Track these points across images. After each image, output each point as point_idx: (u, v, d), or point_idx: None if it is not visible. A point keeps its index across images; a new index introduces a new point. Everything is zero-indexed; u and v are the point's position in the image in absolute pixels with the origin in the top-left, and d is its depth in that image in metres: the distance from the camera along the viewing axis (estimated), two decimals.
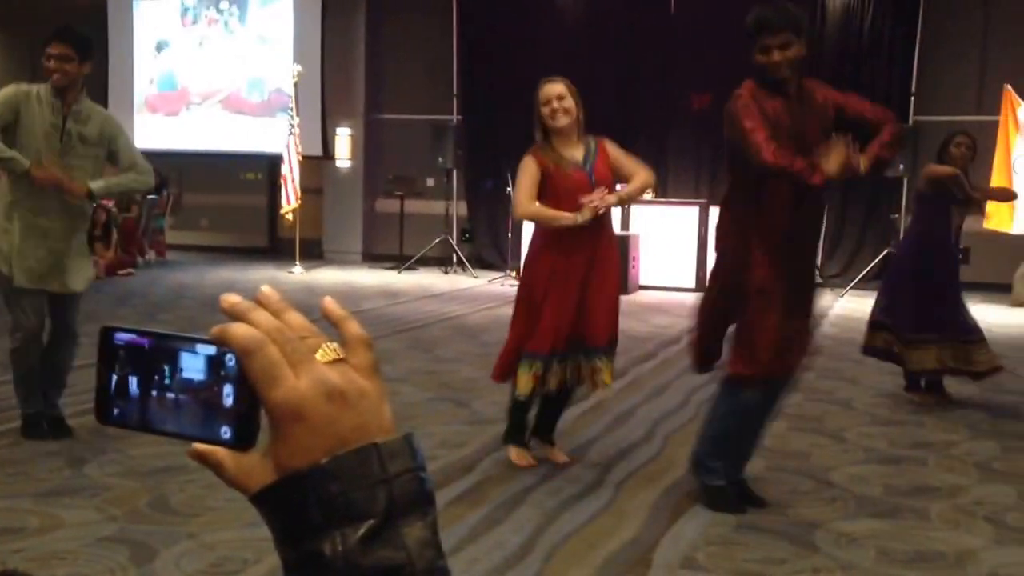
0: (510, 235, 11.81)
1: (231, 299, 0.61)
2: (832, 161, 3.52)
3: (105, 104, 12.97)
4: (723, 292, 3.85)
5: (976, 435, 5.18)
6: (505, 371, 4.27)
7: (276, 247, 14.13)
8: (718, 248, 4.00)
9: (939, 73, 11.47)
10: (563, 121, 4.10)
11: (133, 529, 3.52)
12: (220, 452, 0.61)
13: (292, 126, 11.81)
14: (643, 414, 5.42)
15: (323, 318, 0.65)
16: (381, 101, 13.66)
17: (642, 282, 11.00)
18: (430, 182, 13.02)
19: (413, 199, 12.67)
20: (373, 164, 13.63)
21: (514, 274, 11.39)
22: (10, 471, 4.16)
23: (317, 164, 13.25)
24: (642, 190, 4.32)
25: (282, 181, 11.95)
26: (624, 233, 10.29)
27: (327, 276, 11.86)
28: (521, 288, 4.37)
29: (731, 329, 3.84)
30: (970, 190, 5.63)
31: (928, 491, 4.23)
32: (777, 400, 3.93)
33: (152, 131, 13.89)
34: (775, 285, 3.65)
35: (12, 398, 4.74)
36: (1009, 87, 10.11)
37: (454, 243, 12.48)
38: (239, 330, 0.59)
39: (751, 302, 3.68)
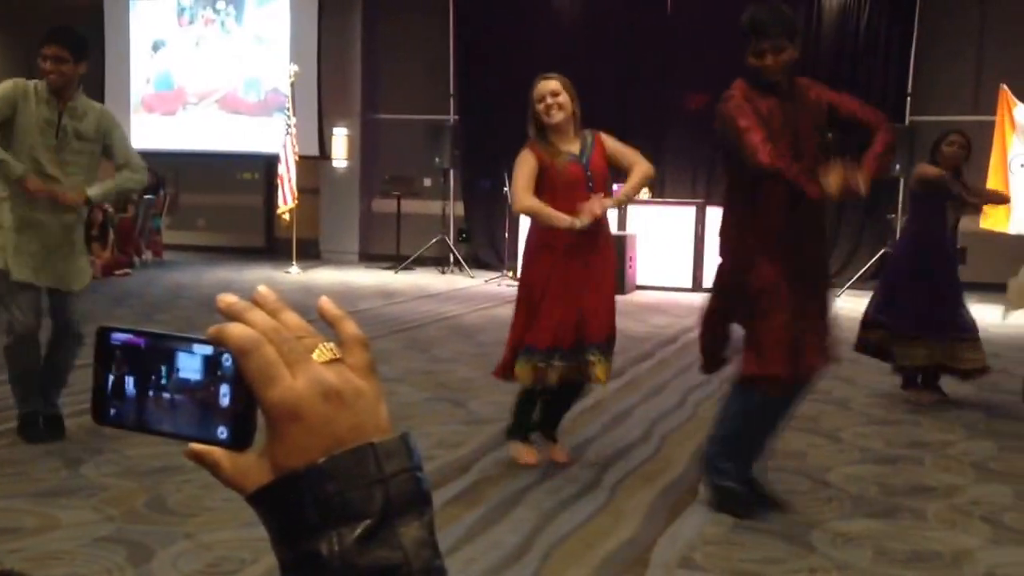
0: (507, 235, 11.81)
1: (227, 299, 0.61)
2: (833, 181, 3.51)
3: (101, 103, 12.99)
4: (723, 292, 3.85)
5: (972, 435, 5.18)
6: (505, 368, 4.26)
7: (273, 247, 14.12)
8: (720, 249, 3.98)
9: (935, 73, 11.49)
10: (558, 117, 4.10)
11: (130, 529, 3.52)
12: (217, 452, 0.61)
13: (289, 126, 11.80)
14: (640, 414, 5.42)
15: (319, 318, 0.65)
16: (378, 101, 13.65)
17: (639, 282, 11.00)
18: (427, 182, 13.02)
19: (410, 199, 12.67)
20: (370, 164, 13.63)
21: (511, 274, 11.39)
22: (7, 471, 4.15)
23: (314, 164, 13.25)
24: (641, 185, 4.26)
25: (279, 181, 11.95)
26: (621, 233, 10.29)
27: (324, 276, 11.85)
28: (520, 288, 4.35)
29: (739, 331, 3.81)
30: (960, 190, 5.62)
31: (925, 491, 4.23)
32: (792, 403, 3.86)
33: (149, 131, 13.88)
34: (778, 284, 3.63)
35: (9, 398, 4.73)
36: (1005, 87, 10.12)
37: (451, 243, 12.48)
38: (235, 330, 0.59)
39: (755, 303, 3.65)
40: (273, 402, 0.58)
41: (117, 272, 11.01)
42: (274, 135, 12.42)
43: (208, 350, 0.60)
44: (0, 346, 4.58)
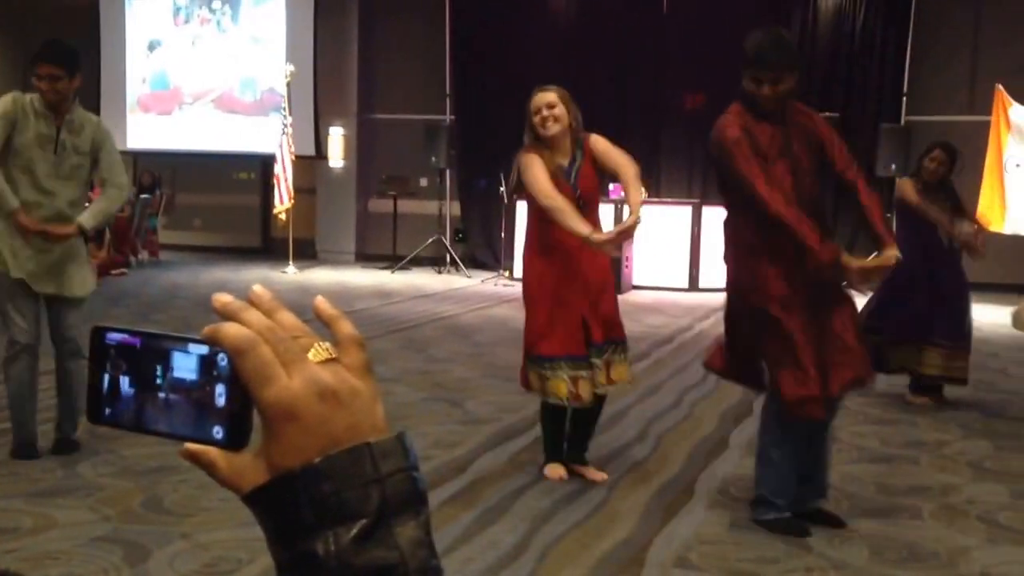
0: (503, 235, 11.82)
1: (223, 298, 0.61)
2: (858, 271, 3.52)
3: (97, 104, 12.98)
4: (738, 316, 3.79)
5: (968, 434, 5.19)
6: (523, 376, 4.23)
7: (269, 247, 14.12)
8: (727, 273, 3.89)
9: (931, 73, 11.51)
10: (553, 129, 4.07)
11: (127, 529, 3.52)
12: (212, 452, 0.61)
13: (285, 126, 11.80)
14: (636, 414, 5.43)
15: (315, 318, 0.65)
16: (374, 101, 13.65)
17: (635, 282, 11.01)
18: (423, 182, 13.02)
19: (406, 199, 12.67)
20: (366, 164, 13.63)
21: (507, 274, 11.40)
22: (3, 471, 4.15)
23: (310, 164, 13.24)
24: (637, 185, 4.11)
25: (275, 181, 11.95)
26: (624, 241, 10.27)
27: (320, 276, 11.85)
28: (524, 296, 4.29)
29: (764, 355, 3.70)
30: (939, 217, 5.62)
31: (921, 490, 4.24)
32: (829, 423, 3.75)
33: (145, 131, 13.88)
34: (794, 299, 3.57)
35: (5, 398, 4.72)
36: (1000, 87, 10.13)
37: (447, 243, 12.48)
38: (231, 330, 0.59)
39: (771, 325, 3.58)
40: (269, 402, 0.58)
41: (113, 272, 11.00)
42: (270, 135, 12.41)
43: (204, 350, 0.60)
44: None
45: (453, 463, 4.41)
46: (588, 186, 4.12)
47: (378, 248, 13.23)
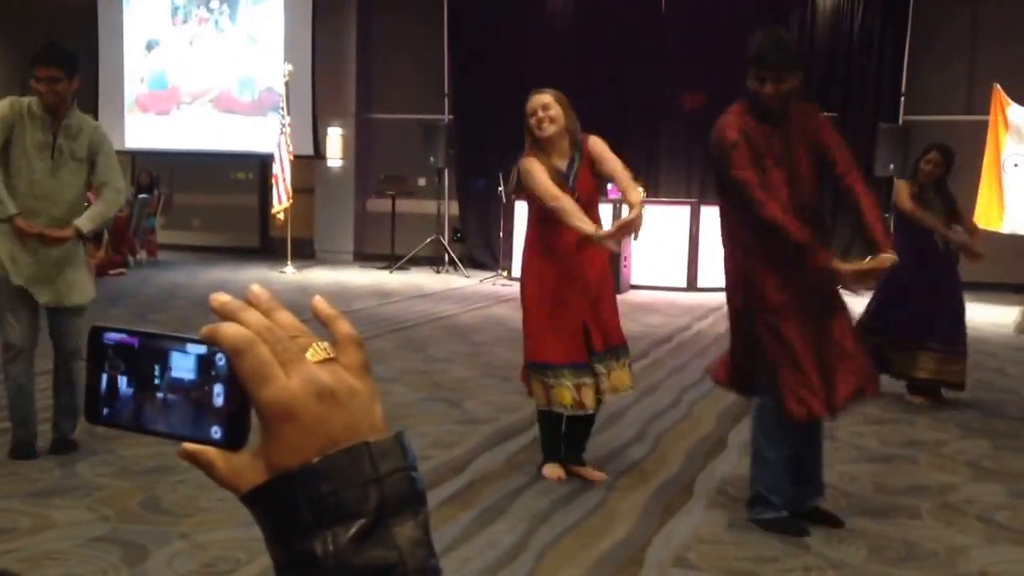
0: (501, 235, 11.82)
1: (221, 298, 0.61)
2: (852, 274, 3.52)
3: (96, 104, 12.98)
4: (737, 312, 3.80)
5: (967, 434, 5.20)
6: (525, 381, 4.22)
7: (268, 247, 14.11)
8: (725, 278, 3.89)
9: (929, 73, 11.51)
10: (549, 130, 4.07)
11: (125, 529, 3.52)
12: (210, 452, 0.61)
13: (283, 125, 11.79)
14: (634, 414, 5.43)
15: (314, 317, 0.65)
16: (372, 101, 13.65)
17: (633, 282, 11.01)
18: (421, 182, 13.02)
19: (404, 199, 12.67)
20: (364, 164, 13.63)
21: (505, 274, 11.40)
22: (1, 471, 4.14)
23: (308, 164, 13.24)
24: (637, 191, 4.14)
25: (273, 181, 11.94)
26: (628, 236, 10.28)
27: (319, 276, 11.85)
28: (524, 298, 4.29)
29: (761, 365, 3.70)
30: (932, 222, 5.62)
31: (919, 490, 4.24)
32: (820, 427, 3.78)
33: (143, 130, 13.87)
34: (791, 304, 3.57)
35: (3, 397, 4.72)
36: (998, 87, 10.13)
37: (445, 243, 12.48)
38: (229, 329, 0.59)
39: (769, 331, 3.60)
40: (267, 401, 0.58)
41: (112, 272, 10.99)
42: (268, 135, 12.41)
43: (202, 349, 0.60)
44: None
45: (451, 463, 4.41)
46: (586, 188, 4.13)
47: (376, 248, 13.23)
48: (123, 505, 3.76)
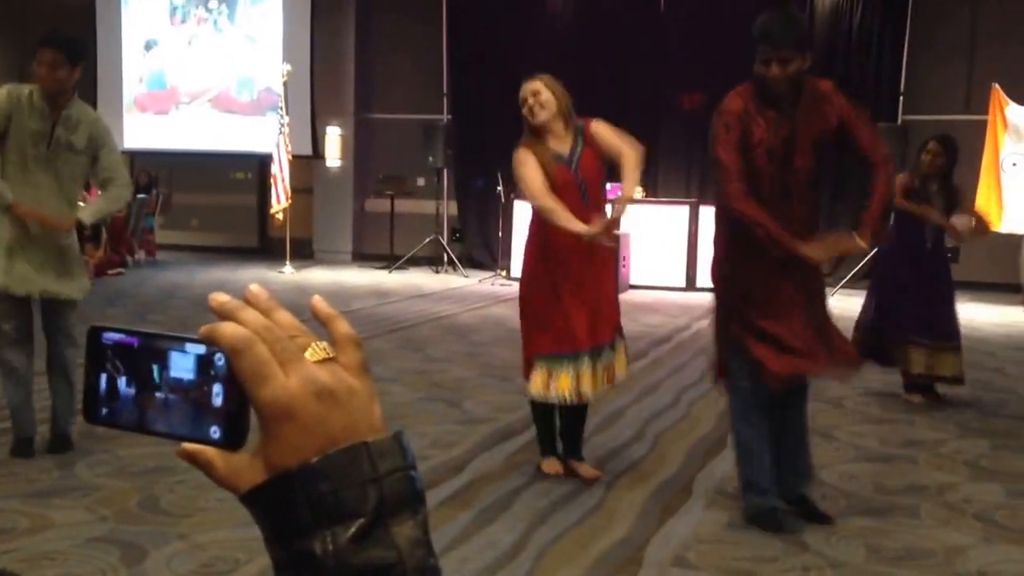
0: (500, 234, 11.82)
1: (219, 298, 0.61)
2: (818, 249, 3.54)
3: (94, 104, 12.94)
4: (719, 300, 3.86)
5: (965, 433, 5.20)
6: (527, 375, 4.21)
7: (266, 247, 14.10)
8: (712, 258, 3.95)
9: (927, 72, 11.52)
10: (541, 116, 4.08)
11: (123, 530, 3.52)
12: (210, 452, 0.61)
13: (282, 125, 11.78)
14: (633, 413, 5.43)
15: (312, 317, 0.65)
16: (371, 100, 13.65)
17: (632, 281, 11.01)
18: (420, 182, 13.02)
19: (403, 199, 12.66)
20: (363, 164, 13.62)
21: (504, 273, 11.40)
22: (0, 471, 4.15)
23: (307, 164, 13.23)
24: (637, 176, 4.12)
25: (272, 181, 11.93)
26: (615, 232, 10.29)
27: (317, 276, 11.84)
28: (523, 288, 4.29)
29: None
30: (924, 211, 5.61)
31: (918, 489, 4.24)
32: (777, 405, 3.79)
33: (141, 130, 13.86)
34: (759, 289, 3.63)
35: (2, 397, 4.72)
36: (997, 86, 10.15)
37: (444, 243, 12.48)
38: (228, 329, 0.59)
39: (736, 307, 3.69)
40: (266, 401, 0.58)
41: (110, 272, 10.99)
42: (267, 134, 12.41)
43: (201, 349, 0.60)
44: None
45: (450, 463, 4.41)
46: (590, 173, 4.10)
47: (375, 248, 13.23)
48: (122, 505, 3.76)
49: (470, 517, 3.72)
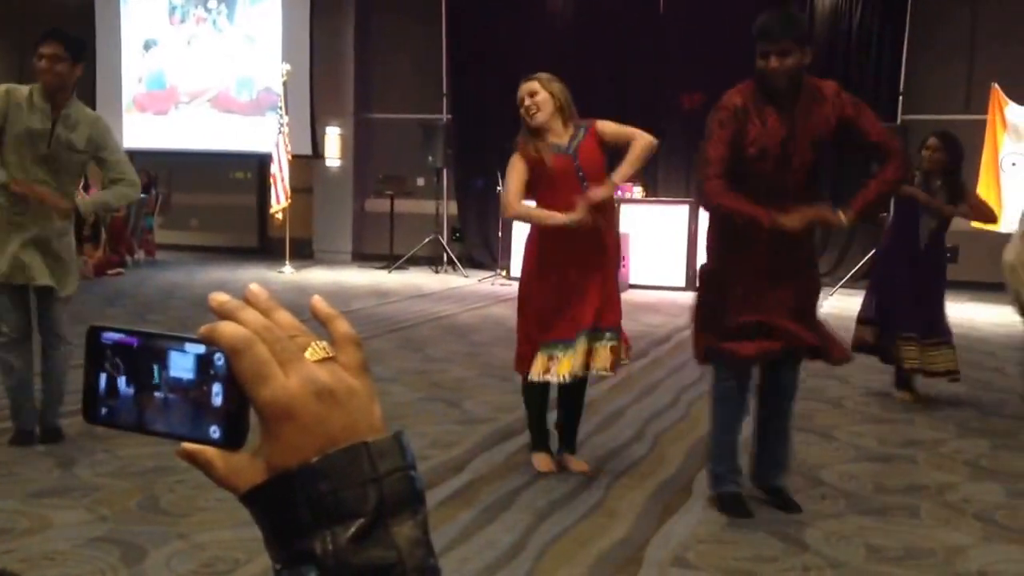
0: (500, 234, 11.82)
1: (219, 298, 0.61)
2: (793, 218, 3.56)
3: (93, 103, 12.94)
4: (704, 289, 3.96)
5: (965, 433, 5.20)
6: (526, 364, 4.20)
7: (266, 247, 14.10)
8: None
9: (927, 72, 11.52)
10: (539, 118, 4.09)
11: (123, 529, 3.51)
12: (209, 451, 0.61)
13: (281, 125, 11.78)
14: (633, 413, 5.43)
15: (312, 317, 0.65)
16: (371, 100, 13.64)
17: (632, 281, 11.01)
18: (420, 181, 13.02)
19: (403, 199, 12.66)
20: (363, 163, 13.62)
21: (504, 273, 11.40)
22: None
23: (307, 163, 13.23)
24: (640, 159, 4.09)
25: (271, 180, 11.93)
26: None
27: (317, 276, 11.84)
28: (524, 294, 4.28)
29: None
30: (930, 200, 5.60)
31: (918, 489, 4.24)
32: (745, 393, 3.90)
33: (141, 130, 13.86)
34: (736, 278, 3.71)
35: (2, 397, 4.72)
36: (996, 86, 10.15)
37: (444, 242, 12.48)
38: (228, 329, 0.59)
39: (716, 308, 3.80)
40: (266, 401, 0.58)
41: (109, 272, 10.99)
42: (267, 134, 12.41)
43: (200, 349, 0.60)
44: None
45: (450, 462, 4.41)
46: (590, 161, 4.09)
47: (375, 248, 13.23)
48: (121, 505, 3.76)
49: (470, 517, 3.72)
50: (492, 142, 11.78)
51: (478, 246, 12.99)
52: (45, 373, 4.52)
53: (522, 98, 4.13)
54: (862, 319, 5.96)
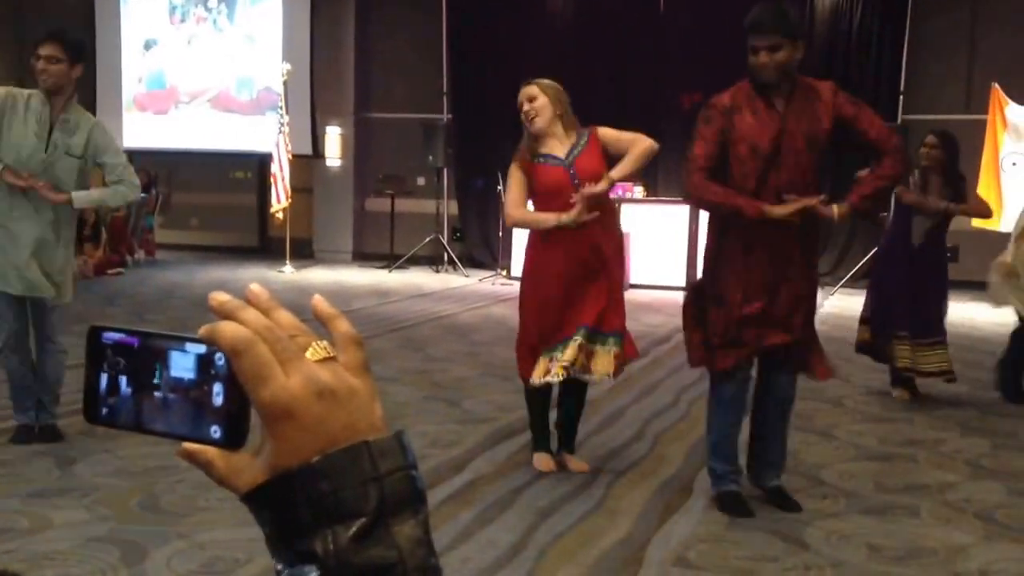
0: (501, 234, 11.81)
1: (220, 297, 0.61)
2: (782, 208, 3.56)
3: (93, 103, 12.95)
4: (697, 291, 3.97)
5: (965, 432, 5.20)
6: (528, 369, 4.21)
7: (266, 246, 14.10)
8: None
9: (927, 72, 11.52)
10: (538, 124, 4.10)
11: (124, 529, 3.51)
12: (210, 451, 0.61)
13: (281, 125, 11.78)
14: (634, 413, 5.43)
15: (313, 317, 0.64)
16: (371, 100, 13.64)
17: (632, 281, 11.00)
18: (420, 181, 13.01)
19: (403, 198, 12.66)
20: (363, 163, 13.61)
21: (505, 273, 11.39)
22: (0, 471, 4.15)
23: (307, 163, 13.23)
24: (637, 163, 4.11)
25: (272, 180, 11.93)
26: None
27: (317, 275, 11.84)
28: (525, 293, 4.29)
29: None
30: (920, 201, 5.60)
31: (918, 488, 4.24)
32: (743, 395, 3.92)
33: (141, 130, 13.86)
34: (732, 282, 3.71)
35: (2, 397, 4.72)
36: (997, 86, 10.14)
37: (445, 242, 12.48)
38: (228, 328, 0.58)
39: (710, 299, 3.82)
40: (266, 401, 0.58)
41: (109, 271, 10.99)
42: (267, 134, 12.40)
43: (201, 349, 0.60)
44: None
45: (451, 462, 4.41)
46: (588, 170, 4.08)
47: (375, 247, 13.22)
48: (122, 505, 3.76)
49: (471, 516, 3.72)
50: (492, 142, 11.79)
51: (478, 246, 12.98)
52: (40, 375, 4.53)
53: (521, 103, 4.15)
54: (863, 319, 5.98)
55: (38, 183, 4.28)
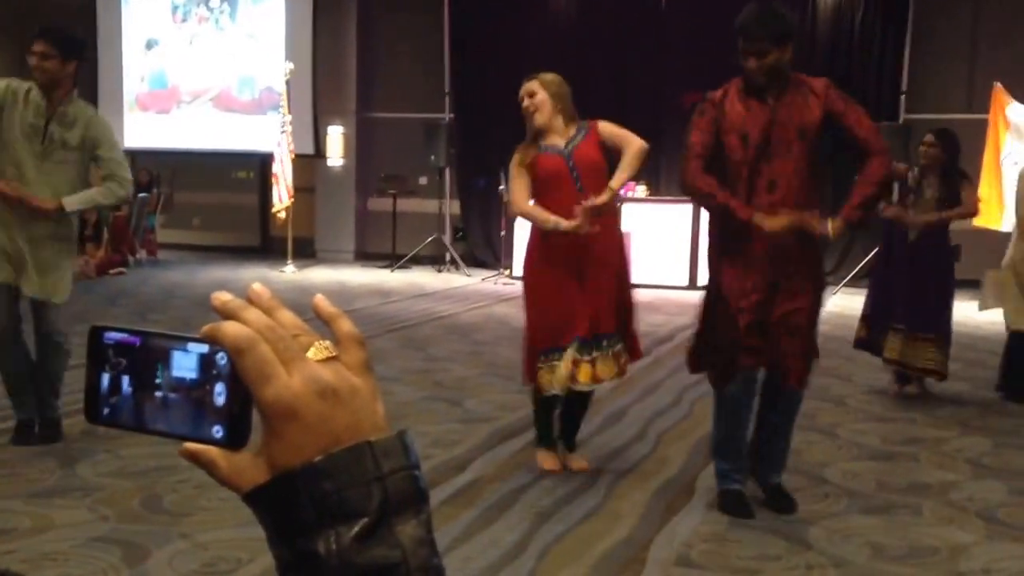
0: (503, 233, 11.82)
1: (222, 297, 0.61)
2: (774, 221, 3.56)
3: (95, 102, 12.95)
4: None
5: (967, 431, 5.20)
6: (531, 374, 4.22)
7: (268, 246, 14.11)
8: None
9: (929, 71, 11.51)
10: (538, 119, 4.14)
11: (125, 529, 3.51)
12: (212, 451, 0.61)
13: (283, 124, 11.78)
14: (636, 413, 5.43)
15: (315, 316, 0.64)
16: (373, 99, 13.64)
17: (634, 280, 10.98)
18: (422, 180, 13.01)
19: (405, 198, 12.66)
20: (365, 162, 13.62)
21: (507, 272, 11.39)
22: (1, 472, 4.14)
23: (309, 163, 13.23)
24: (633, 168, 4.13)
25: (274, 180, 11.93)
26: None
27: (319, 275, 11.84)
28: (527, 291, 4.30)
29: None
30: (899, 215, 5.62)
31: (920, 487, 4.24)
32: (750, 398, 3.91)
33: (143, 129, 13.87)
34: (733, 286, 3.73)
35: (2, 397, 4.72)
36: (999, 85, 10.13)
37: (447, 242, 12.48)
38: (231, 328, 0.58)
39: (714, 303, 3.83)
40: (269, 400, 0.58)
41: (111, 271, 10.99)
42: (269, 133, 12.40)
43: (203, 348, 0.59)
44: None
45: (453, 462, 4.41)
46: (586, 160, 4.11)
47: (377, 247, 13.23)
48: (123, 505, 3.76)
49: (473, 516, 3.72)
50: (495, 141, 11.78)
51: (481, 245, 12.99)
52: (40, 372, 4.53)
53: (522, 98, 4.19)
54: (863, 316, 5.99)
55: (26, 194, 4.26)
